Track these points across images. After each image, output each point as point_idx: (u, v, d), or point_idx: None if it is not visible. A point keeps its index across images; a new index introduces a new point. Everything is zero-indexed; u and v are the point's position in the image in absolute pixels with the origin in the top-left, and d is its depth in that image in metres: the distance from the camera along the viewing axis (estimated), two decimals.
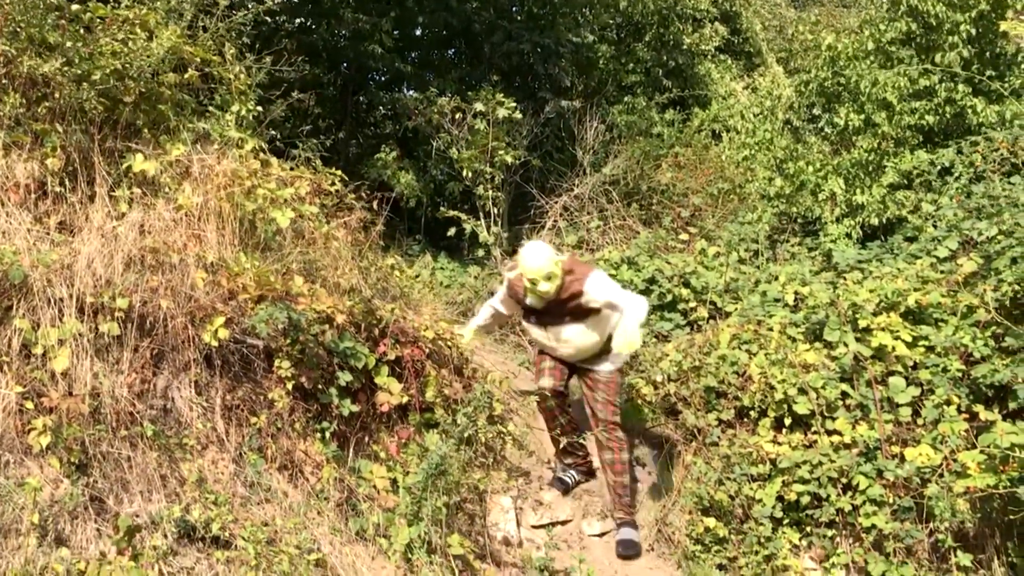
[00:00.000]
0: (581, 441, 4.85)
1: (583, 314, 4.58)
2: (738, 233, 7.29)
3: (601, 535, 4.74)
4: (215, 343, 4.00)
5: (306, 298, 4.31)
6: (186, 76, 4.94)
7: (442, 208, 7.68)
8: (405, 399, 4.48)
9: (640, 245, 7.11)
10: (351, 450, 4.34)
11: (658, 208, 8.21)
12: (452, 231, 7.50)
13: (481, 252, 7.47)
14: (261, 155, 5.03)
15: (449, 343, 4.94)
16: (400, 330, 4.64)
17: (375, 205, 5.55)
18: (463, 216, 7.47)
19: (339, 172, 5.34)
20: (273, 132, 5.67)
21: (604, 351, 4.71)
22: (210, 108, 5.16)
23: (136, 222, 4.35)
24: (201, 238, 4.47)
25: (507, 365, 5.65)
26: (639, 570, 4.62)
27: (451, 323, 5.35)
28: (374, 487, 4.21)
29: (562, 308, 4.57)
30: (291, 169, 5.09)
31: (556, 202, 7.98)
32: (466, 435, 4.41)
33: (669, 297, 6.32)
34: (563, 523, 4.73)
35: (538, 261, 4.44)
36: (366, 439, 4.43)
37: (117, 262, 4.07)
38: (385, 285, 5.14)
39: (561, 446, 4.88)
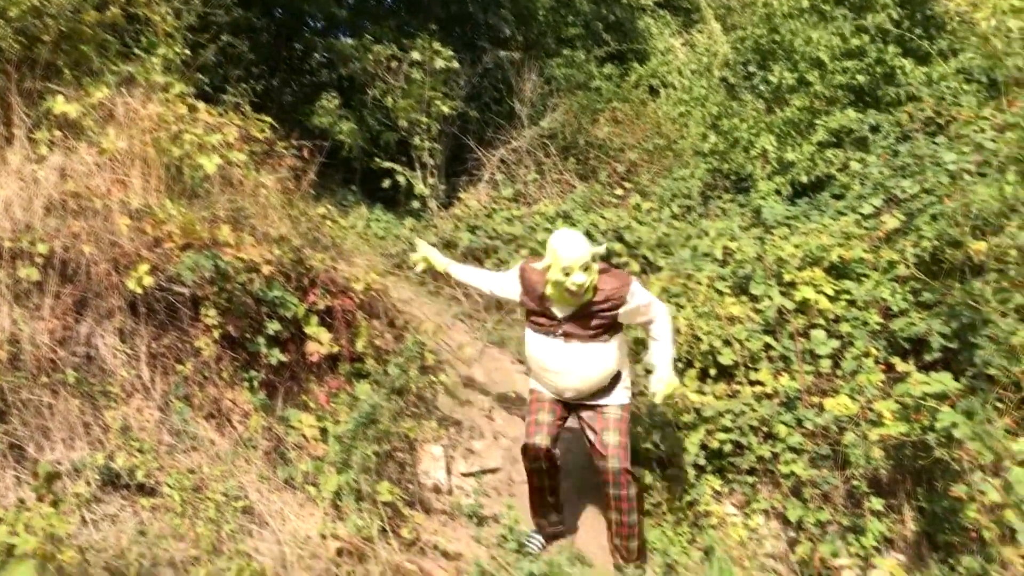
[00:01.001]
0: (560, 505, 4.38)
1: (612, 330, 4.05)
2: (672, 189, 7.37)
3: None
4: (140, 290, 3.94)
5: (233, 246, 4.25)
6: (109, 15, 4.79)
7: (377, 159, 7.60)
8: (335, 349, 4.47)
9: (576, 199, 7.15)
10: (280, 399, 4.33)
11: (595, 163, 8.24)
12: (387, 182, 7.44)
13: (417, 204, 7.43)
14: (188, 100, 4.91)
15: (381, 293, 4.92)
16: (331, 280, 4.61)
17: (307, 154, 5.47)
18: (398, 167, 7.41)
19: (269, 119, 5.25)
20: (202, 77, 5.53)
21: (613, 380, 4.19)
22: (135, 50, 5.01)
23: (57, 166, 4.23)
24: (125, 184, 4.37)
25: (441, 317, 5.66)
26: (566, 517, 4.71)
27: (384, 274, 5.33)
28: (303, 436, 4.22)
29: (591, 318, 4.00)
30: (219, 115, 4.98)
31: (493, 155, 7.96)
32: (397, 385, 4.44)
33: (603, 252, 6.38)
34: (493, 471, 4.80)
35: (577, 247, 3.89)
36: (295, 389, 4.42)
37: (37, 206, 3.97)
38: (316, 235, 5.09)
39: (540, 505, 4.35)
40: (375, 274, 5.00)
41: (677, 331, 5.19)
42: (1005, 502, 4.05)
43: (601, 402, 4.15)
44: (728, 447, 4.81)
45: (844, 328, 5.02)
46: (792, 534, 4.69)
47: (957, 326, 4.64)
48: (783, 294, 5.20)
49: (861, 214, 5.83)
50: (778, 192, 6.98)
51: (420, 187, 7.45)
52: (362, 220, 7.05)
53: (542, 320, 4.12)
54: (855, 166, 6.53)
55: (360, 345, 4.58)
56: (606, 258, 5.78)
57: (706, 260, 5.89)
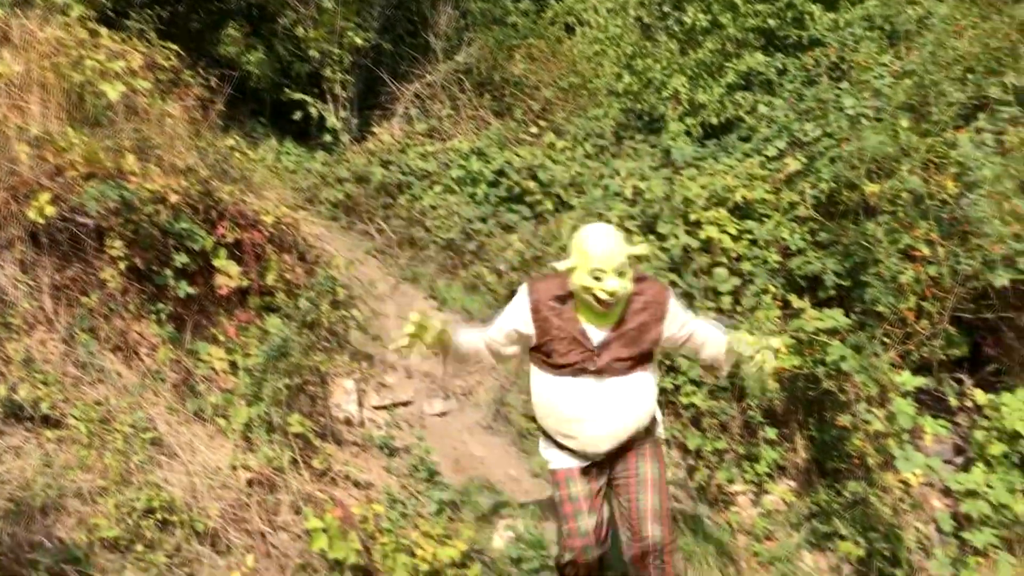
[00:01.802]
0: None
1: (648, 356, 3.24)
2: (586, 128, 7.43)
3: (441, 414, 4.92)
4: (41, 220, 3.84)
5: (138, 176, 4.16)
6: None
7: (287, 90, 7.45)
8: (245, 283, 4.45)
9: (491, 136, 7.16)
10: (189, 333, 4.29)
11: (510, 100, 8.22)
12: (298, 115, 7.31)
13: (329, 138, 7.34)
14: (90, 24, 4.73)
15: (291, 227, 4.89)
16: (240, 213, 4.56)
17: (215, 83, 5.34)
18: (309, 99, 7.29)
19: (175, 47, 5.10)
20: (104, 1, 5.33)
21: (648, 426, 3.34)
22: None
23: None
24: (23, 110, 4.21)
25: (353, 252, 5.66)
26: (476, 448, 4.84)
27: (295, 208, 5.29)
28: (212, 369, 4.21)
29: (631, 339, 3.17)
30: (123, 41, 4.82)
31: (408, 89, 7.88)
32: (308, 319, 4.45)
33: (517, 190, 6.43)
34: (405, 404, 4.88)
35: (612, 244, 3.07)
36: (204, 322, 4.39)
37: None
38: (225, 167, 5.00)
39: None
40: (286, 208, 4.96)
41: None
42: (887, 431, 4.33)
43: (637, 440, 3.29)
44: None
45: (745, 266, 5.22)
46: (691, 462, 4.92)
47: (850, 265, 4.87)
48: (689, 233, 5.35)
49: (766, 156, 6.00)
50: (688, 133, 7.10)
51: (332, 120, 7.34)
52: (272, 153, 6.94)
53: (569, 355, 3.15)
54: (762, 109, 6.69)
55: (270, 279, 4.56)
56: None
57: (617, 199, 5.99)
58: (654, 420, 3.36)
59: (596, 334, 3.16)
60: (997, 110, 4.93)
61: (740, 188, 5.48)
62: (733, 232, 5.31)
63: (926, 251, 4.63)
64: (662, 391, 4.94)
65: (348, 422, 4.57)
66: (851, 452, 4.56)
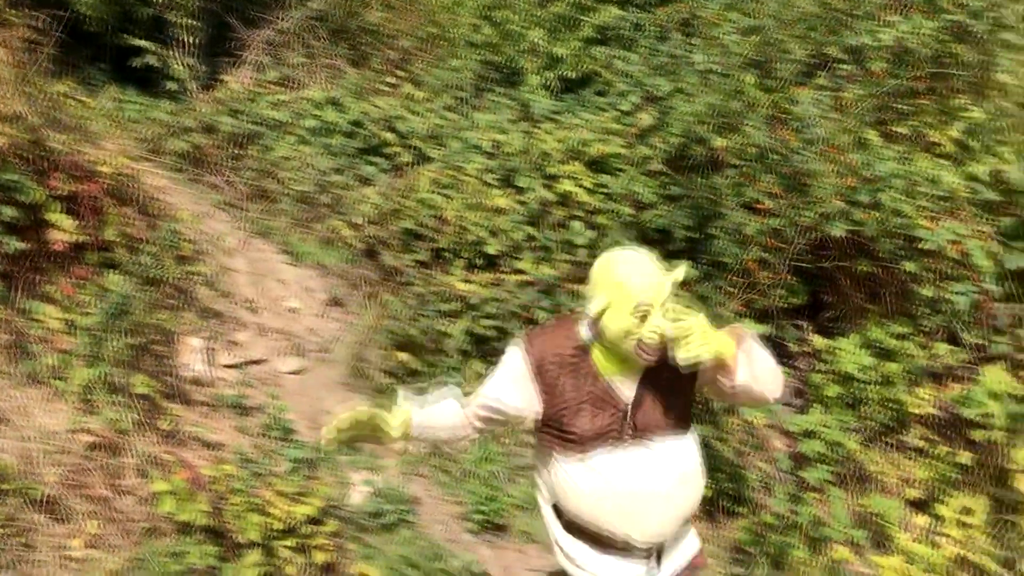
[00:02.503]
0: None
1: (686, 412, 2.52)
2: (444, 79, 7.33)
3: (296, 372, 4.82)
4: None
5: None
6: None
7: (128, 36, 7.02)
8: (81, 238, 4.20)
9: (347, 86, 6.97)
10: (20, 291, 4.03)
11: (367, 49, 8.01)
12: (140, 61, 6.91)
13: (174, 86, 6.97)
14: None
15: (132, 179, 4.64)
16: (74, 164, 4.29)
17: (43, 24, 4.97)
18: (152, 46, 6.89)
19: None
20: None
21: None
22: None
23: None
24: None
25: (200, 205, 5.43)
26: (334, 405, 4.77)
27: (138, 159, 5.02)
28: (47, 329, 3.97)
29: (665, 386, 2.43)
30: None
31: (258, 36, 7.55)
32: (151, 275, 4.26)
33: (374, 141, 6.31)
34: (257, 362, 4.75)
35: (655, 275, 2.32)
36: (37, 279, 4.12)
37: None
38: (58, 115, 4.68)
39: None
40: (126, 159, 4.70)
41: (445, 222, 5.28)
42: None
43: (685, 558, 2.58)
44: (492, 332, 5.01)
45: (600, 220, 5.31)
46: None
47: (698, 218, 5.02)
48: (546, 187, 5.39)
49: (620, 111, 6.09)
50: (546, 87, 7.12)
51: (177, 67, 6.97)
52: (113, 102, 6.54)
53: (596, 421, 2.37)
54: (618, 64, 6.77)
55: (109, 233, 4.33)
56: None
57: (476, 152, 5.97)
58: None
59: (624, 386, 2.39)
60: (836, 68, 5.15)
61: (596, 142, 5.55)
62: (589, 186, 5.39)
63: (769, 204, 4.81)
64: None
65: (197, 382, 4.42)
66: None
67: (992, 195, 4.71)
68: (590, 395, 2.37)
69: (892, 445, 4.60)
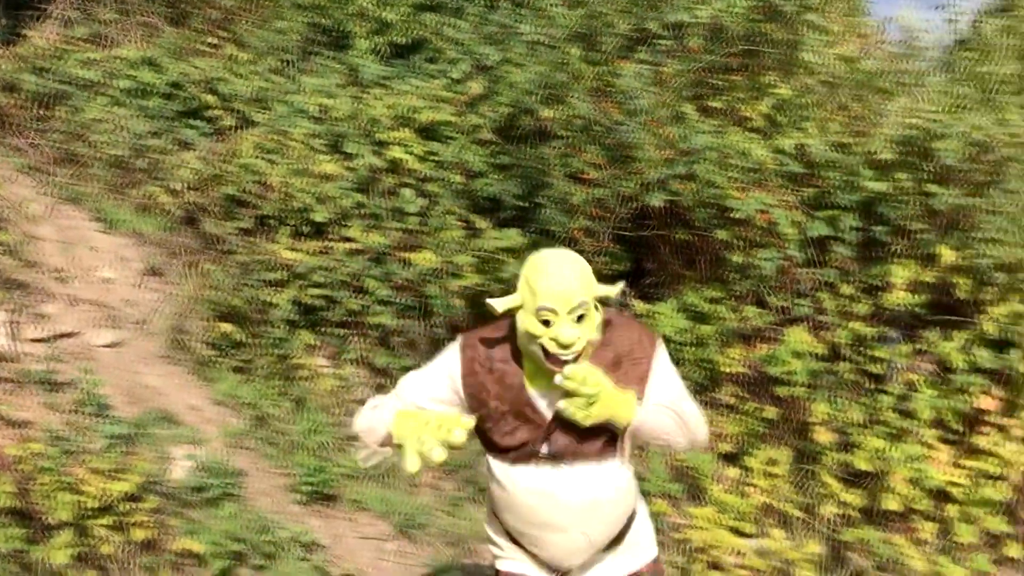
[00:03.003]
0: None
1: (611, 442, 2.32)
2: (269, 41, 7.10)
3: (111, 345, 4.59)
4: None
5: None
6: None
7: None
8: None
9: (164, 45, 6.63)
10: None
11: (186, 6, 7.64)
12: None
13: None
14: None
15: None
16: None
17: None
18: None
19: None
20: None
21: (624, 528, 2.49)
22: None
23: None
24: None
25: (1, 170, 5.05)
26: (153, 379, 4.59)
27: None
28: None
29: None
30: None
31: None
32: None
33: (195, 103, 6.04)
34: (68, 336, 4.49)
35: (568, 276, 2.18)
36: None
37: None
38: None
39: None
40: None
41: (270, 188, 5.14)
42: None
43: (622, 570, 2.50)
44: (320, 302, 4.94)
45: (431, 187, 5.31)
46: (380, 380, 5.00)
47: (527, 187, 5.11)
48: (375, 153, 5.34)
49: (451, 79, 6.09)
50: (376, 52, 7.02)
51: None
52: None
53: (516, 433, 2.30)
54: (448, 31, 6.76)
55: None
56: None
57: (302, 117, 5.83)
58: (630, 523, 2.51)
59: (549, 400, 2.26)
60: (655, 44, 5.33)
61: (426, 110, 5.53)
62: (419, 153, 5.37)
63: (594, 174, 4.95)
64: (349, 312, 4.95)
65: (0, 357, 4.13)
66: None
67: (797, 167, 5.03)
68: (512, 407, 2.27)
69: (706, 403, 4.86)
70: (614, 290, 2.25)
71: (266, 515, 3.99)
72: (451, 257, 4.97)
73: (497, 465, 2.35)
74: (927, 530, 4.33)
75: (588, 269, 2.23)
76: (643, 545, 2.53)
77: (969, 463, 4.43)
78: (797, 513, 4.49)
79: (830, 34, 5.83)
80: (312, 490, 4.31)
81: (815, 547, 4.33)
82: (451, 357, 2.33)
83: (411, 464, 2.05)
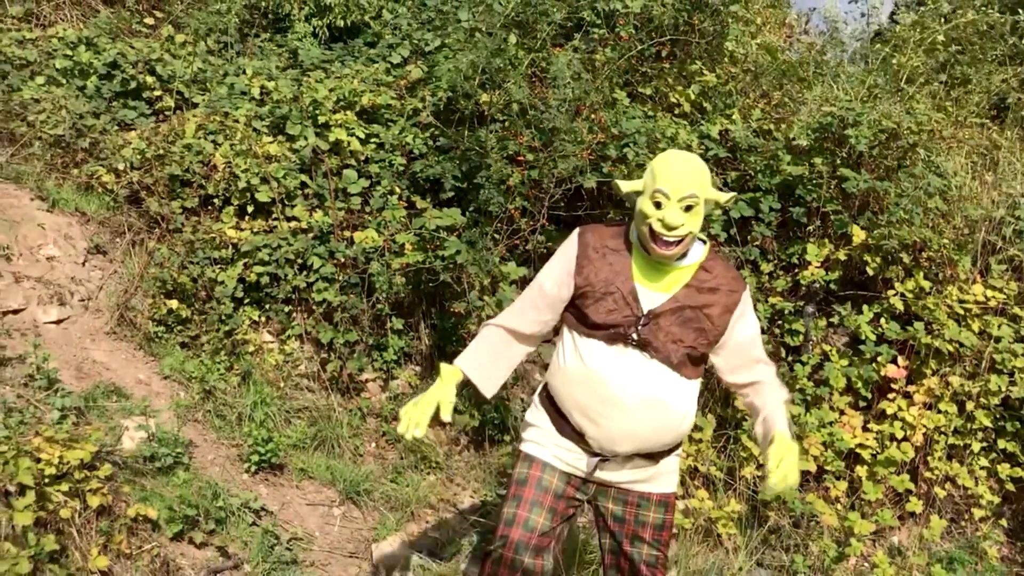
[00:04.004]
0: None
1: (703, 359, 2.67)
2: (208, 22, 7.13)
3: (58, 322, 4.66)
4: None
5: None
6: None
7: None
8: None
9: (100, 25, 6.62)
10: None
11: None
12: None
13: None
14: None
15: None
16: None
17: None
18: None
19: None
20: None
21: (667, 451, 2.75)
22: None
23: None
24: None
25: None
26: (101, 355, 4.67)
27: None
28: None
29: (683, 319, 2.57)
30: None
31: None
32: None
33: (133, 84, 6.07)
34: (15, 312, 4.54)
35: (687, 171, 2.49)
36: None
37: None
38: None
39: None
40: None
41: (214, 168, 5.23)
42: (494, 313, 4.85)
43: (639, 487, 2.74)
44: (265, 279, 5.06)
45: (373, 168, 5.46)
46: (324, 355, 5.15)
47: (466, 169, 5.30)
48: (318, 135, 5.46)
49: (391, 63, 6.23)
50: (315, 35, 7.11)
51: None
52: None
53: (612, 315, 2.57)
54: (387, 15, 6.88)
55: None
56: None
57: (243, 98, 5.91)
58: (674, 450, 2.77)
59: (648, 298, 2.58)
60: (589, 32, 5.57)
61: (367, 93, 5.67)
62: (361, 135, 5.51)
63: (529, 156, 5.17)
64: (294, 289, 5.08)
65: None
66: (464, 335, 5.07)
67: (722, 152, 5.33)
68: (616, 290, 2.58)
69: None
70: (726, 196, 2.61)
71: (217, 483, 4.13)
72: (393, 236, 5.14)
73: (583, 340, 2.63)
74: (838, 488, 4.69)
75: (707, 171, 2.56)
76: (669, 476, 2.79)
77: (877, 427, 4.80)
78: (720, 475, 4.80)
79: (753, 25, 6.15)
80: (260, 460, 4.46)
81: (736, 506, 4.64)
82: (570, 242, 2.72)
83: (402, 429, 2.60)
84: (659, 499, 2.76)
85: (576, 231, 2.73)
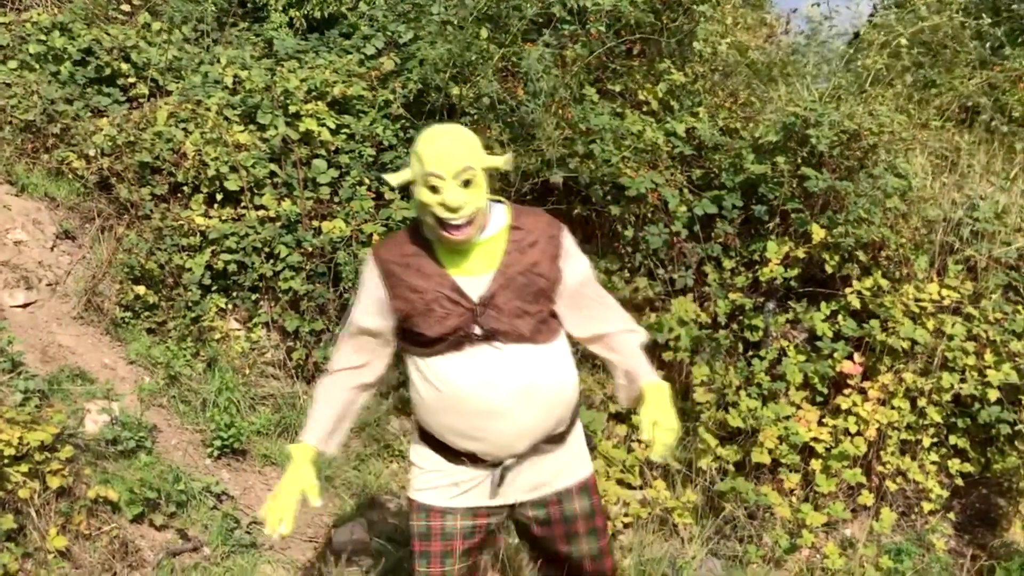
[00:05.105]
0: None
1: (552, 315, 2.46)
2: (183, 11, 7.15)
3: (25, 306, 4.69)
4: None
5: None
6: None
7: None
8: None
9: (76, 11, 6.64)
10: None
11: None
12: None
13: None
14: None
15: None
16: None
17: None
18: None
19: None
20: None
21: (566, 427, 2.55)
22: None
23: None
24: None
25: None
26: (67, 339, 4.71)
27: None
28: None
29: (518, 288, 2.37)
30: None
31: None
32: None
33: (108, 71, 6.09)
34: None
35: (452, 146, 2.29)
36: None
37: None
38: None
39: None
40: None
41: (184, 156, 5.27)
42: None
43: (554, 486, 2.54)
44: (233, 267, 5.11)
45: (343, 159, 5.51)
46: (290, 343, 5.20)
47: None
48: (289, 124, 5.51)
49: (364, 54, 6.27)
50: (291, 25, 7.15)
51: None
52: None
53: (447, 320, 2.35)
54: (363, 7, 6.92)
55: None
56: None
57: (216, 87, 5.94)
58: (572, 424, 2.57)
59: (473, 285, 2.36)
60: (560, 28, 5.63)
61: (339, 84, 5.72)
62: (332, 126, 5.55)
63: (498, 151, 5.23)
64: (261, 277, 5.12)
65: None
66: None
67: (687, 150, 5.41)
68: (437, 295, 2.33)
69: (598, 367, 5.21)
70: (502, 160, 2.38)
71: (179, 467, 4.19)
72: (360, 226, 5.19)
73: (428, 362, 2.39)
74: (792, 481, 4.79)
75: (474, 139, 2.35)
76: (578, 458, 2.59)
77: (831, 422, 4.90)
78: (678, 466, 4.89)
79: (722, 24, 6.23)
80: (223, 445, 4.51)
81: (693, 496, 4.74)
82: (368, 270, 2.44)
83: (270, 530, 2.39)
84: (578, 488, 2.57)
85: (368, 254, 2.48)
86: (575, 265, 2.49)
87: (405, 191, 5.45)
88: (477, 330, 2.33)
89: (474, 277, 2.36)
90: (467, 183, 2.26)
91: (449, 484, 2.48)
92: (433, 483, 2.50)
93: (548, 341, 2.42)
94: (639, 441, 4.95)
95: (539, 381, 2.38)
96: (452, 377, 2.35)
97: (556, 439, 2.50)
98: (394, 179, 2.36)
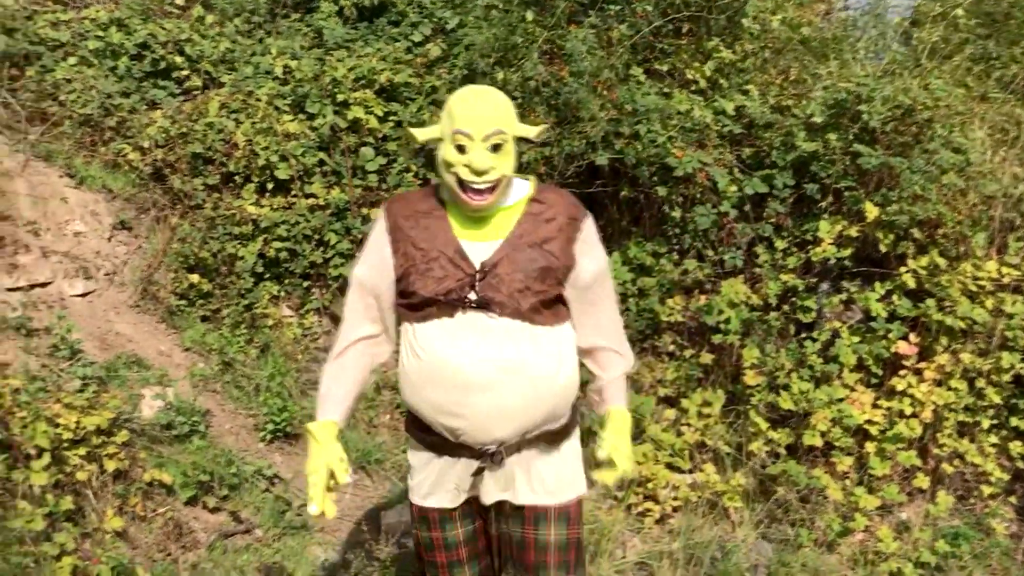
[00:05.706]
0: None
1: (559, 298, 2.32)
2: (236, 4, 7.26)
3: (84, 295, 4.84)
4: None
5: None
6: None
7: None
8: None
9: (133, 7, 6.78)
10: None
11: None
12: None
13: None
14: None
15: None
16: None
17: None
18: None
19: None
20: None
21: (563, 428, 2.40)
22: None
23: None
24: None
25: None
26: (124, 327, 4.84)
27: None
28: None
29: (524, 261, 2.24)
30: None
31: None
32: None
33: (163, 64, 6.22)
34: (42, 285, 4.73)
35: (482, 104, 2.20)
36: None
37: None
38: None
39: None
40: None
41: (235, 146, 5.36)
42: None
43: (539, 500, 2.35)
44: (284, 255, 5.20)
45: (391, 147, 5.55)
46: None
47: None
48: (337, 113, 5.57)
49: (412, 41, 6.30)
50: (341, 14, 7.21)
51: None
52: None
53: (444, 281, 2.23)
54: None
55: None
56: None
57: (267, 78, 6.03)
58: (567, 432, 2.41)
59: (478, 251, 2.24)
60: (606, 8, 5.58)
61: (386, 71, 5.76)
62: (379, 113, 5.60)
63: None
64: (312, 264, 5.19)
65: None
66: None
67: (737, 128, 5.32)
68: (440, 254, 2.22)
69: (647, 350, 5.19)
70: (535, 130, 2.29)
71: (231, 451, 4.28)
72: None
73: (419, 328, 2.25)
74: (845, 464, 4.70)
75: (509, 104, 2.25)
76: (571, 481, 2.42)
77: (886, 404, 4.79)
78: (728, 449, 4.84)
79: (772, 1, 6.10)
80: (275, 429, 4.60)
81: (743, 480, 4.69)
82: (377, 222, 2.35)
83: (312, 509, 2.19)
84: (558, 512, 2.35)
85: (383, 205, 2.39)
86: (593, 258, 2.35)
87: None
88: (472, 295, 2.20)
89: (481, 243, 2.25)
90: (496, 148, 2.16)
91: (442, 483, 2.37)
92: (428, 486, 2.39)
93: (548, 324, 2.27)
94: (688, 424, 4.92)
95: (529, 360, 2.22)
96: (437, 344, 2.21)
97: (548, 439, 2.34)
98: (421, 134, 2.26)
